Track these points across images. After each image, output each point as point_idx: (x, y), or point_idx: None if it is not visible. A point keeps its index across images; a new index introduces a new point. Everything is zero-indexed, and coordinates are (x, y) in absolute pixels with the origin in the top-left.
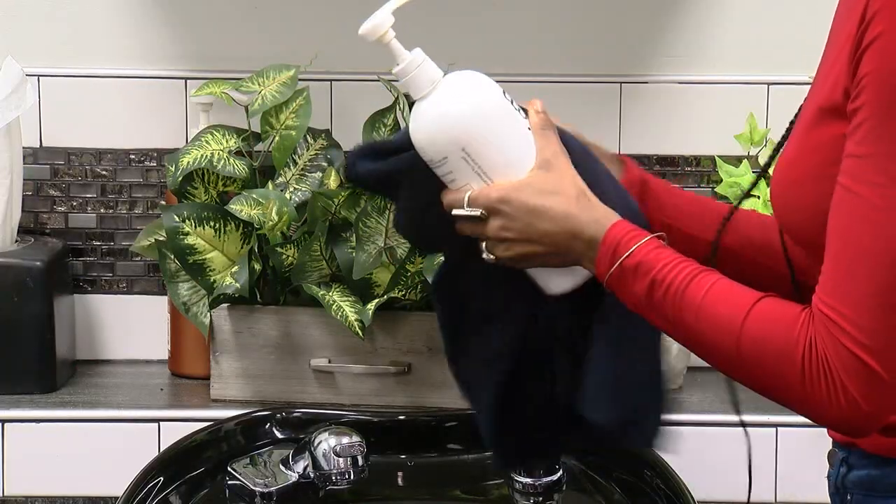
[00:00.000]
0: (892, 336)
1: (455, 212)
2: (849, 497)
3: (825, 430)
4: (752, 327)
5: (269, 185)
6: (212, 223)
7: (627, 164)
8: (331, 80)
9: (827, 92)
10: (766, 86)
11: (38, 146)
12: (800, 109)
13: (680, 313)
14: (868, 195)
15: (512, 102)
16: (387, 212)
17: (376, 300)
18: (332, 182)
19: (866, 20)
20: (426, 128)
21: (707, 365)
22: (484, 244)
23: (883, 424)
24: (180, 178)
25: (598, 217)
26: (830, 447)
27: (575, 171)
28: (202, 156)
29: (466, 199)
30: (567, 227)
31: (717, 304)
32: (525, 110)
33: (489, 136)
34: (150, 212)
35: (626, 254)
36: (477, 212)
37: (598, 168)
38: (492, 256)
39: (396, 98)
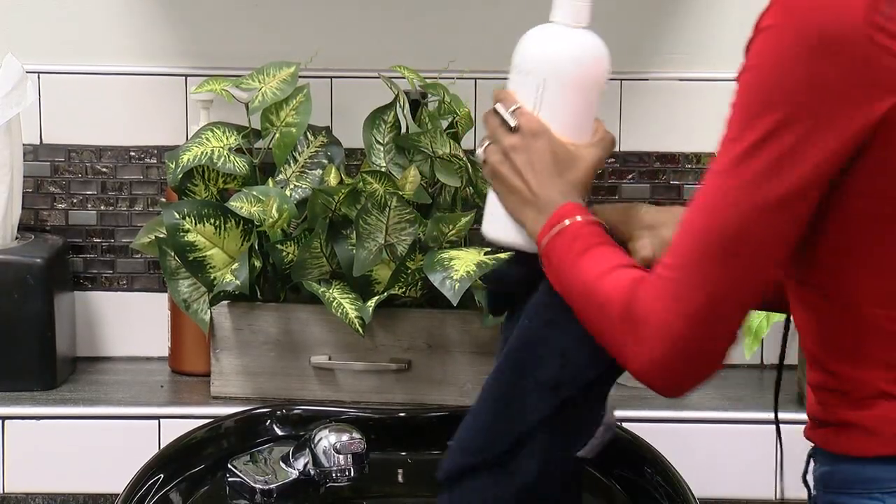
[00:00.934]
0: (700, 300)
1: (497, 106)
2: (813, 492)
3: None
4: (601, 281)
5: (270, 182)
6: (212, 220)
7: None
8: (331, 78)
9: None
10: None
11: (38, 143)
12: None
13: (565, 270)
14: (719, 170)
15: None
16: (387, 208)
17: (376, 297)
18: (333, 179)
19: (766, 7)
20: (546, 42)
21: None
22: (486, 145)
23: (691, 386)
24: (180, 176)
25: (566, 191)
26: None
27: (590, 175)
28: (202, 153)
29: (515, 107)
30: (547, 192)
31: (593, 259)
32: None
33: (575, 94)
34: (151, 209)
35: (574, 218)
36: (514, 122)
37: None
38: (482, 156)
39: (397, 95)
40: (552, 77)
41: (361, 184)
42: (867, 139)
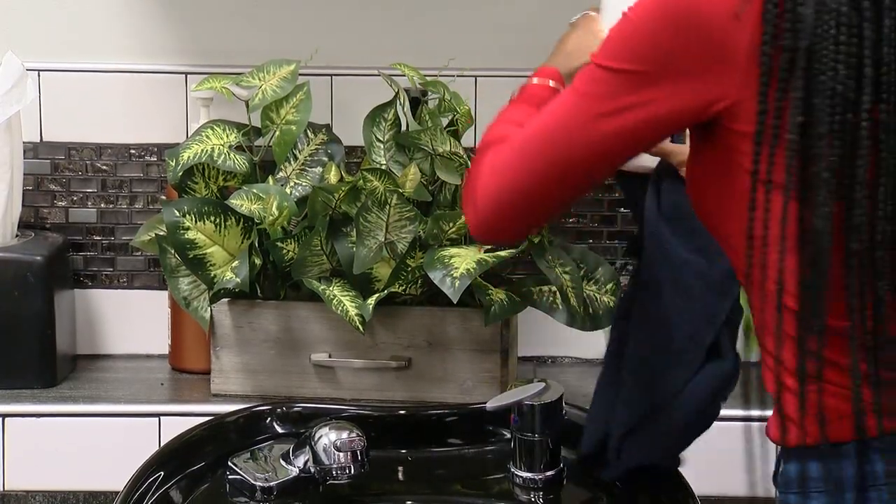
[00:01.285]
0: (516, 184)
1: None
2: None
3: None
4: (495, 123)
5: (270, 179)
6: (212, 218)
7: None
8: (331, 75)
9: None
10: None
11: (38, 141)
12: None
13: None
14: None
15: None
16: (387, 206)
17: (376, 294)
18: (333, 177)
19: None
20: None
21: None
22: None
23: (498, 239)
24: (181, 173)
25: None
26: None
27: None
28: (202, 150)
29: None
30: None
31: (510, 108)
32: None
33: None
34: (151, 206)
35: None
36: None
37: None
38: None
39: (397, 93)
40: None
41: (361, 181)
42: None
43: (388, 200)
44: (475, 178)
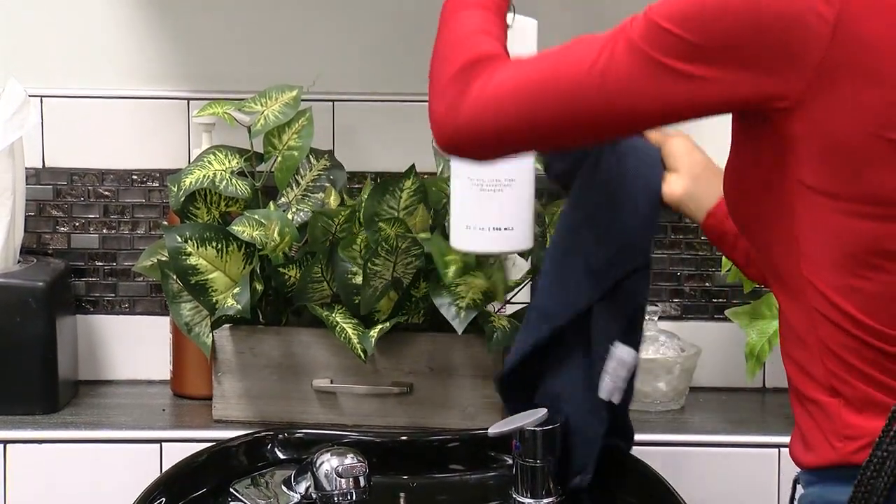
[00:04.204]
0: (519, 115)
1: None
2: None
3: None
4: (476, 34)
5: (272, 205)
6: (214, 243)
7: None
8: (333, 101)
9: None
10: None
11: (40, 167)
12: None
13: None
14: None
15: None
16: (397, 250)
17: (379, 326)
18: (333, 201)
19: None
20: None
21: (709, 385)
22: None
23: (463, 154)
24: (182, 199)
25: None
26: None
27: None
28: (204, 176)
29: None
30: None
31: (482, 18)
32: None
33: None
34: (153, 232)
35: None
36: None
37: None
38: None
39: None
40: None
41: (363, 224)
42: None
43: (400, 245)
44: (464, 87)
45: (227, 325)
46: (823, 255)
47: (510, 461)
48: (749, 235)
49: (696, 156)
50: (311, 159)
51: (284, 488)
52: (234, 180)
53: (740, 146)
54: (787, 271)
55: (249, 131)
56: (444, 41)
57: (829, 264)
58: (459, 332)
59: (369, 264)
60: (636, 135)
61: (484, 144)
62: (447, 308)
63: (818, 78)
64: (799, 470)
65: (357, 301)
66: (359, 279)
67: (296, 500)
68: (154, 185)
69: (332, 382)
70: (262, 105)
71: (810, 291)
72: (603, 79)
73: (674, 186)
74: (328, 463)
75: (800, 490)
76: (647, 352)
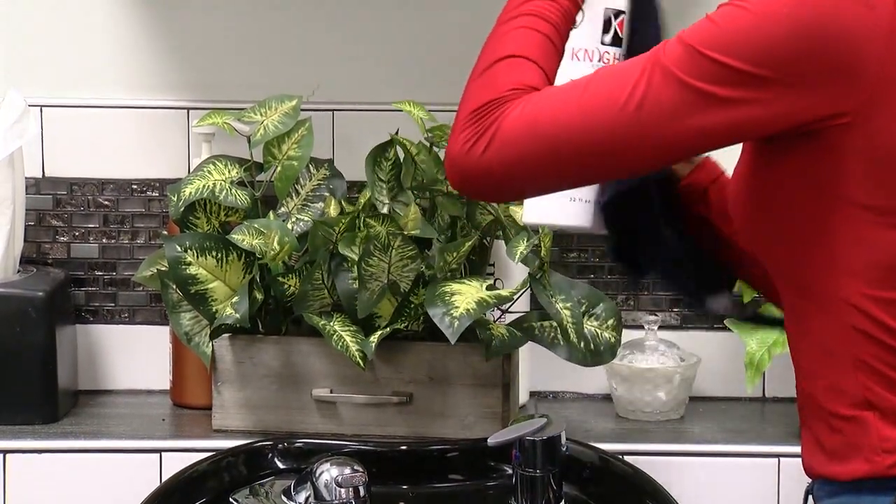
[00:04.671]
0: (543, 156)
1: None
2: None
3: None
4: (513, 58)
5: (271, 214)
6: (214, 253)
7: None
8: (333, 111)
9: None
10: None
11: (40, 176)
12: None
13: (507, 23)
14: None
15: None
16: (390, 249)
17: (379, 332)
18: (333, 210)
19: None
20: None
21: (709, 395)
22: None
23: (477, 195)
24: (182, 208)
25: None
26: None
27: None
28: (204, 186)
29: None
30: None
31: (526, 39)
32: None
33: None
34: (152, 242)
35: None
36: None
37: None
38: None
39: (396, 132)
40: None
41: (363, 227)
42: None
43: (392, 243)
44: (484, 125)
45: (226, 335)
46: (863, 268)
47: (510, 471)
48: (766, 253)
49: None
50: (311, 169)
51: (284, 498)
52: (233, 190)
53: (762, 165)
54: (819, 287)
55: (249, 141)
56: (477, 65)
57: (869, 278)
58: (452, 342)
59: (363, 265)
60: (670, 165)
61: (500, 186)
62: (440, 318)
63: (877, 89)
64: (813, 480)
65: (356, 305)
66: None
67: None
68: (154, 194)
69: (331, 392)
70: (261, 115)
71: (845, 306)
72: (640, 112)
73: None
74: (328, 473)
75: (811, 501)
76: (647, 361)
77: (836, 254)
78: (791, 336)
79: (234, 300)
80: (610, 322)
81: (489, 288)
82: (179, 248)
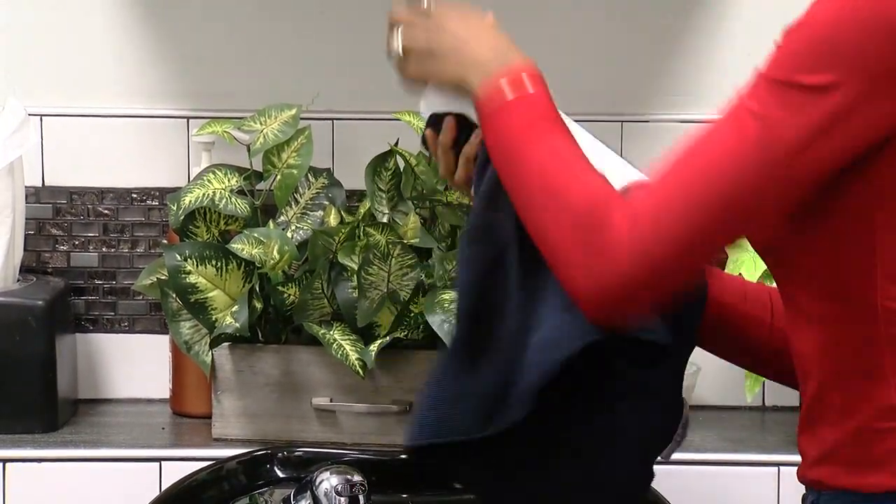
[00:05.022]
0: (682, 234)
1: None
2: None
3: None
4: (569, 174)
5: (271, 223)
6: (213, 262)
7: None
8: (332, 119)
9: None
10: None
11: (40, 185)
12: None
13: (529, 142)
14: (733, 111)
15: None
16: (389, 258)
17: (379, 341)
18: (332, 220)
19: None
20: None
21: (708, 403)
22: (398, 30)
23: (623, 313)
24: (182, 217)
25: (511, 47)
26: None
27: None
28: (204, 195)
29: None
30: (491, 46)
31: (563, 148)
32: None
33: None
34: (152, 251)
35: (535, 83)
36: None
37: None
38: (399, 50)
39: (396, 142)
40: None
41: (362, 235)
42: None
43: (391, 252)
44: (593, 237)
45: (226, 344)
46: None
47: None
48: (796, 262)
49: None
50: (311, 177)
51: None
52: (233, 199)
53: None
54: (858, 293)
55: (249, 150)
56: (529, 192)
57: None
58: None
59: (363, 273)
60: (816, 187)
61: (661, 282)
62: (439, 325)
63: None
64: (819, 492)
65: (356, 314)
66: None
67: None
68: (154, 203)
69: (331, 401)
70: (261, 123)
71: (886, 312)
72: (754, 165)
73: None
74: (327, 482)
75: None
76: None
77: (882, 259)
78: (813, 344)
79: (233, 309)
80: None
81: None
82: (179, 257)
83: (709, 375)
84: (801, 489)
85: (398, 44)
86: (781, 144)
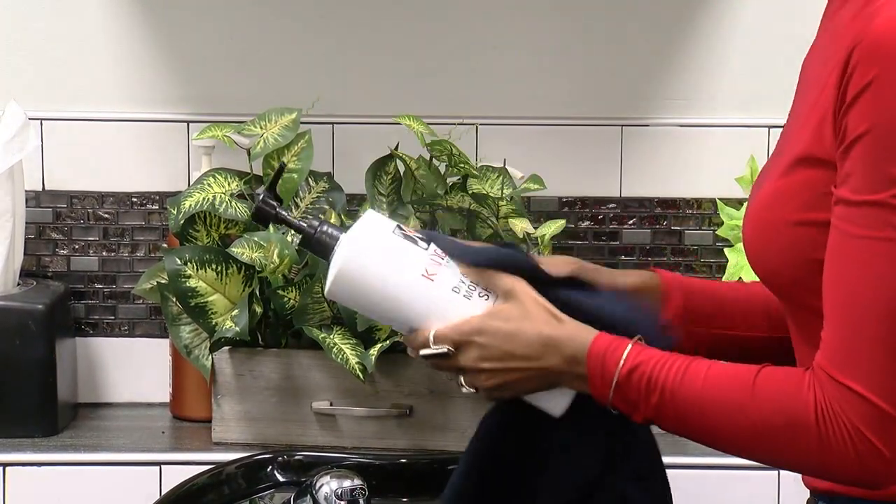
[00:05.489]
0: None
1: (423, 352)
2: None
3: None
4: (760, 402)
5: (271, 227)
6: (213, 266)
7: (661, 274)
8: (332, 123)
9: (808, 141)
10: (766, 129)
11: (40, 189)
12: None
13: (683, 410)
14: (868, 243)
15: (415, 240)
16: None
17: (379, 345)
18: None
19: (850, 69)
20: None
21: None
22: (462, 378)
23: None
24: (182, 221)
25: (573, 333)
26: (808, 496)
27: (538, 295)
28: (204, 199)
29: (432, 337)
30: (543, 344)
31: (719, 390)
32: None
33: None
34: (152, 255)
35: (620, 363)
36: (444, 348)
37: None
38: (471, 389)
39: (396, 146)
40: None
41: None
42: None
43: None
44: (830, 448)
45: (226, 348)
46: None
47: None
48: (803, 277)
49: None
50: (311, 181)
51: None
52: (233, 203)
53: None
54: None
55: (249, 154)
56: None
57: None
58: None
59: None
60: None
61: None
62: None
63: None
64: (818, 496)
65: (356, 318)
66: None
67: None
68: (154, 207)
69: (331, 405)
70: (261, 128)
71: None
72: None
73: None
74: (328, 486)
75: None
76: None
77: None
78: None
79: (233, 313)
80: None
81: None
82: (179, 261)
83: None
84: (803, 492)
85: (466, 389)
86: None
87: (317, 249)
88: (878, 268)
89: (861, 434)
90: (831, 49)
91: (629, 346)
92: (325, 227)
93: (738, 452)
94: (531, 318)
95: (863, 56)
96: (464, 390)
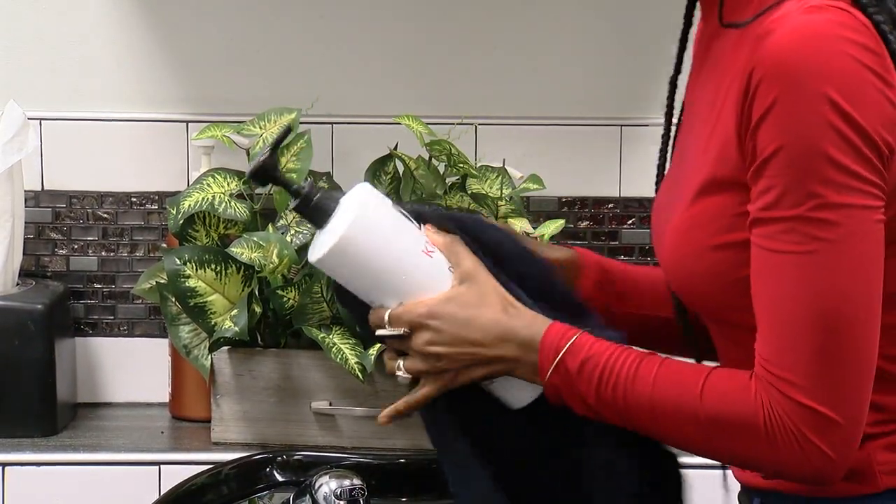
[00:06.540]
0: (837, 387)
1: (379, 332)
2: None
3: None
4: (709, 406)
5: (270, 227)
6: (213, 266)
7: (581, 253)
8: (332, 123)
9: (712, 165)
10: None
11: (39, 189)
12: (664, 157)
13: (636, 410)
14: (793, 258)
15: (407, 217)
16: None
17: (378, 345)
18: None
19: (751, 91)
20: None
21: None
22: (402, 362)
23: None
24: (181, 221)
25: (529, 322)
26: (739, 490)
27: (496, 282)
28: (203, 199)
29: (387, 317)
30: (498, 333)
31: (669, 389)
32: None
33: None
34: (152, 255)
35: (564, 348)
36: (400, 330)
37: (524, 268)
38: (408, 377)
39: (395, 146)
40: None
41: None
42: None
43: None
44: (779, 447)
45: (225, 348)
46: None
47: None
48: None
49: None
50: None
51: None
52: (232, 203)
53: None
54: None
55: (248, 154)
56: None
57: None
58: None
59: None
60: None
61: (861, 415)
62: None
63: None
64: (758, 492)
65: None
66: None
67: None
68: (153, 207)
69: (330, 405)
70: (260, 127)
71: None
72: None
73: None
74: (327, 485)
75: None
76: None
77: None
78: None
79: (233, 313)
80: None
81: None
82: (178, 261)
83: None
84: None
85: (403, 374)
86: (841, 257)
87: (313, 214)
88: (805, 281)
89: (806, 438)
90: (718, 76)
91: (575, 336)
92: (323, 192)
93: (688, 450)
94: (488, 304)
95: (764, 76)
96: (399, 377)
